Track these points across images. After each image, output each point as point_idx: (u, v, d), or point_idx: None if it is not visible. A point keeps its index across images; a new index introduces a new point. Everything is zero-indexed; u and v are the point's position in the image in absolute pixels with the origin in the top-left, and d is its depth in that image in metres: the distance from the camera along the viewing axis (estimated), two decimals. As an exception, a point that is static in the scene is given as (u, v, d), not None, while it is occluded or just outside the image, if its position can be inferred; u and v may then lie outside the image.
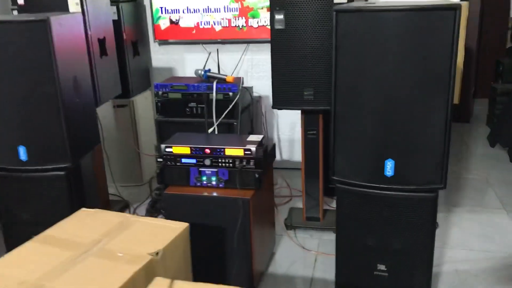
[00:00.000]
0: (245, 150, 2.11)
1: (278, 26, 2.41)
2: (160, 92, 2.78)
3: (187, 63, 3.68)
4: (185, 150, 2.18)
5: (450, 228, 2.76)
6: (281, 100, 2.52)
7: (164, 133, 2.83)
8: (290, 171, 3.62)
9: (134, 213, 3.05)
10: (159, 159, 2.21)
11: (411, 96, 1.73)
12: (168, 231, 1.70)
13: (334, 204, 2.95)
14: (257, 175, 2.11)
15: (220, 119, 2.68)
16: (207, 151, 2.15)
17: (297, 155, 3.65)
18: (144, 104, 3.51)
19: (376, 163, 1.79)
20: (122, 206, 3.13)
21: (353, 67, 1.77)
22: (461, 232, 2.72)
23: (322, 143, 2.67)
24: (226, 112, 2.67)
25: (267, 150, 2.26)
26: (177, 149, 2.18)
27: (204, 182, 2.18)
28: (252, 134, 3.06)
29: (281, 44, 2.44)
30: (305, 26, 2.37)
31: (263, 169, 2.13)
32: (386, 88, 1.74)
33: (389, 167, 1.77)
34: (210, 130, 2.65)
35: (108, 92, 2.89)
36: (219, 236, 2.15)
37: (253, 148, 2.10)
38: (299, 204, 2.99)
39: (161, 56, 3.72)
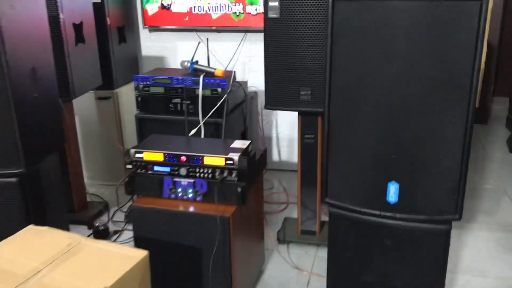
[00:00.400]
0: (226, 159, 1.81)
1: (272, 15, 2.08)
2: (140, 86, 2.48)
3: (179, 52, 3.37)
4: (158, 156, 1.88)
5: (462, 249, 2.45)
6: (275, 100, 2.21)
7: (145, 132, 2.53)
8: (288, 174, 3.32)
9: (112, 217, 2.78)
10: (128, 166, 1.92)
11: (422, 105, 1.41)
12: (123, 260, 1.42)
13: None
14: (239, 189, 1.81)
15: (205, 119, 2.37)
16: (183, 158, 1.85)
17: (297, 156, 3.34)
18: (130, 96, 3.20)
19: (377, 186, 1.48)
20: (101, 208, 2.85)
21: (352, 68, 1.45)
22: (475, 254, 2.40)
23: (321, 148, 2.35)
24: (212, 111, 2.36)
25: (254, 159, 1.96)
26: (149, 155, 1.89)
27: (179, 195, 1.89)
28: (245, 134, 2.76)
29: (275, 35, 2.12)
30: (303, 15, 2.05)
31: (248, 182, 1.83)
32: (392, 94, 1.41)
33: (393, 192, 1.46)
34: (193, 131, 2.34)
35: (85, 84, 2.60)
36: (195, 257, 1.86)
37: (235, 157, 1.79)
38: (296, 213, 2.69)
39: (151, 44, 3.41)
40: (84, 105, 3.07)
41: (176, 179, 1.87)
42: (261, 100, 3.15)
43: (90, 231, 2.61)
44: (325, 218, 2.64)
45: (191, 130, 2.35)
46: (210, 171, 1.83)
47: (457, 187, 1.42)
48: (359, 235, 1.55)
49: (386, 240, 1.49)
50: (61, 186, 2.18)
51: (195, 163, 1.84)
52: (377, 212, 1.49)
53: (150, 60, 3.44)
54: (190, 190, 1.87)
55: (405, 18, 1.34)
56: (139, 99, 2.51)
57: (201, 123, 2.37)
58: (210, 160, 1.82)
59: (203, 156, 1.83)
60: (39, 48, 1.91)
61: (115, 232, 2.63)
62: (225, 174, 1.81)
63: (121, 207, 2.86)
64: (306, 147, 2.39)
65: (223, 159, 1.81)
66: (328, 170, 1.54)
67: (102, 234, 2.57)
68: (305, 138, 2.37)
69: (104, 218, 2.78)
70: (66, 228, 2.19)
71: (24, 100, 1.79)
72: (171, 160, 1.86)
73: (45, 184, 1.99)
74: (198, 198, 1.87)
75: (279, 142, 3.41)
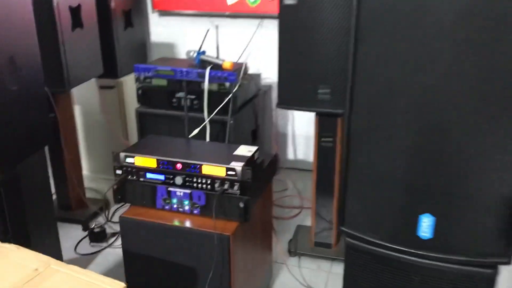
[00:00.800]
0: (227, 169, 1.56)
1: (288, 1, 1.81)
2: (141, 77, 2.24)
3: (191, 39, 3.11)
4: (151, 162, 1.64)
5: None
6: (288, 98, 1.95)
7: (146, 128, 2.30)
8: (304, 174, 3.06)
9: (111, 217, 2.57)
10: (117, 171, 1.69)
11: (467, 123, 1.12)
12: (95, 293, 1.19)
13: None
14: (242, 205, 1.56)
15: (210, 117, 2.12)
16: (179, 166, 1.61)
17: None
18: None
19: (406, 217, 1.21)
20: (101, 205, 2.65)
21: (380, 71, 1.17)
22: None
23: (340, 153, 2.08)
24: (218, 109, 2.11)
25: (261, 168, 1.71)
26: (141, 160, 1.65)
27: (174, 206, 1.65)
28: (256, 132, 2.51)
29: (291, 24, 1.85)
30: (324, 1, 1.77)
31: (253, 195, 1.58)
32: (430, 106, 1.13)
33: (426, 225, 1.19)
34: (195, 132, 2.09)
35: (83, 73, 2.37)
36: (190, 277, 1.63)
37: (238, 167, 1.54)
38: (310, 220, 2.43)
39: (161, 29, 3.16)
40: (86, 94, 2.86)
41: (171, 189, 1.64)
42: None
43: (85, 233, 2.41)
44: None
45: (196, 128, 2.10)
46: (209, 181, 1.59)
47: (508, 226, 1.14)
48: (380, 273, 1.29)
49: (415, 282, 1.22)
50: (48, 187, 1.96)
51: (192, 171, 1.60)
52: (406, 249, 1.22)
53: (160, 48, 3.19)
54: (187, 202, 1.63)
55: (452, 12, 1.05)
56: (140, 91, 2.28)
57: (206, 121, 2.12)
58: (209, 169, 1.58)
59: (201, 165, 1.58)
60: (19, 33, 1.68)
61: (113, 234, 2.43)
62: (226, 186, 1.57)
63: (121, 206, 2.64)
64: (323, 151, 2.12)
65: (224, 169, 1.56)
66: (346, 193, 1.28)
67: (98, 236, 2.36)
68: (322, 142, 2.10)
69: (102, 218, 2.57)
70: (54, 236, 1.99)
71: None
72: (165, 167, 1.63)
73: (27, 187, 1.78)
74: (196, 212, 1.63)
75: (295, 139, 3.14)
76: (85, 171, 3.02)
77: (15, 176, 1.69)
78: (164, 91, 2.22)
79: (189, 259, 1.60)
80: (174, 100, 2.21)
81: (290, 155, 3.17)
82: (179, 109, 2.21)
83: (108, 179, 2.96)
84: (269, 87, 2.75)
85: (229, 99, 2.10)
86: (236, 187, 1.56)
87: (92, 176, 3.01)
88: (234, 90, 2.11)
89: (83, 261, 2.21)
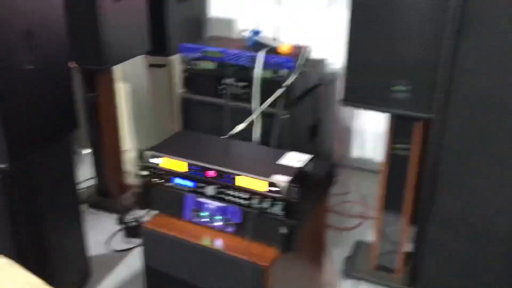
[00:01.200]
0: (270, 184, 1.23)
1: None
2: (188, 58, 1.95)
3: (250, 16, 2.77)
4: (180, 166, 1.36)
5: None
6: (356, 94, 1.58)
7: (191, 116, 2.02)
8: (371, 176, 2.66)
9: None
10: (143, 172, 1.42)
11: None
12: None
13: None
14: (284, 230, 1.24)
15: (260, 110, 1.79)
16: (211, 173, 1.31)
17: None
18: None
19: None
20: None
21: (488, 74, 0.79)
22: None
23: (417, 165, 1.69)
24: (269, 101, 1.77)
25: (312, 182, 1.37)
26: (168, 163, 1.37)
27: (205, 220, 1.36)
28: (316, 128, 2.15)
29: (367, 2, 1.46)
30: (412, -26, 1.36)
31: (299, 219, 1.26)
32: None
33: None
34: (240, 127, 1.76)
35: (125, 49, 2.12)
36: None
37: (282, 183, 1.22)
38: (372, 234, 2.06)
39: (221, 3, 2.84)
40: (134, 72, 2.63)
41: (201, 200, 1.35)
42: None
43: (121, 227, 2.21)
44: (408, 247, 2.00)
45: (243, 121, 1.78)
46: (246, 196, 1.28)
47: None
48: None
49: None
50: (71, 177, 1.73)
51: (226, 181, 1.30)
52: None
53: (218, 23, 2.88)
54: (219, 217, 1.34)
55: None
56: (186, 74, 1.99)
57: (255, 114, 1.79)
58: (245, 181, 1.27)
59: (235, 175, 1.27)
60: (37, 4, 1.43)
61: (150, 229, 2.20)
62: (266, 204, 1.25)
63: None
64: (394, 160, 1.74)
65: (265, 183, 1.24)
66: (423, 243, 0.91)
67: (133, 232, 2.15)
68: (396, 149, 1.71)
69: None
70: (77, 232, 1.78)
71: (10, 75, 1.34)
72: (195, 173, 1.34)
73: (43, 179, 1.56)
74: (229, 229, 1.34)
75: (364, 135, 2.74)
76: (133, 152, 2.83)
77: (29, 167, 1.48)
78: (211, 76, 1.92)
79: (218, 285, 1.32)
80: (221, 87, 1.90)
81: (356, 152, 2.79)
82: (228, 97, 1.91)
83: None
84: (334, 76, 2.37)
85: (284, 89, 1.76)
86: (278, 207, 1.24)
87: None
88: (290, 79, 1.76)
89: (112, 259, 2.01)
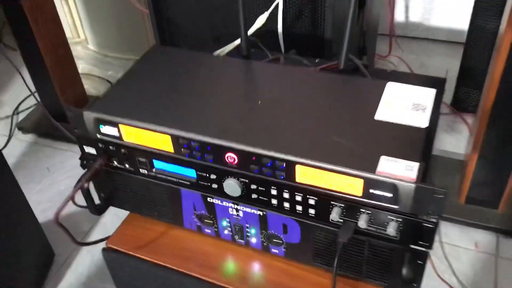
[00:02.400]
0: (366, 182, 0.53)
1: None
2: None
3: None
4: (161, 141, 0.64)
5: None
6: None
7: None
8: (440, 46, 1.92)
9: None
10: (87, 148, 0.71)
11: None
12: None
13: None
14: (408, 273, 0.58)
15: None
16: (231, 158, 0.60)
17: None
18: None
19: None
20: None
21: None
22: None
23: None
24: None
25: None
26: (134, 134, 0.65)
27: (226, 232, 0.70)
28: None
29: None
30: None
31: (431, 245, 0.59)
32: None
33: None
34: (260, 21, 0.95)
35: None
36: None
37: (407, 182, 0.52)
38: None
39: None
40: None
41: (218, 201, 0.66)
42: None
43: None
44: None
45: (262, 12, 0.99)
46: (313, 201, 0.59)
47: None
48: None
49: None
50: None
51: (271, 175, 0.59)
52: None
53: None
54: (254, 231, 0.67)
55: None
56: None
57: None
58: (318, 176, 0.56)
59: (295, 163, 0.56)
60: None
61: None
62: (363, 221, 0.57)
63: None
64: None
65: (361, 181, 0.54)
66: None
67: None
68: None
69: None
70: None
71: None
72: (203, 156, 0.62)
73: None
74: (276, 251, 0.68)
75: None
76: (91, 46, 2.03)
77: None
78: None
79: None
80: None
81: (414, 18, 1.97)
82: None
83: (118, 57, 1.97)
84: None
85: None
86: (393, 227, 0.56)
87: (99, 58, 2.01)
88: None
89: (74, 216, 1.34)
